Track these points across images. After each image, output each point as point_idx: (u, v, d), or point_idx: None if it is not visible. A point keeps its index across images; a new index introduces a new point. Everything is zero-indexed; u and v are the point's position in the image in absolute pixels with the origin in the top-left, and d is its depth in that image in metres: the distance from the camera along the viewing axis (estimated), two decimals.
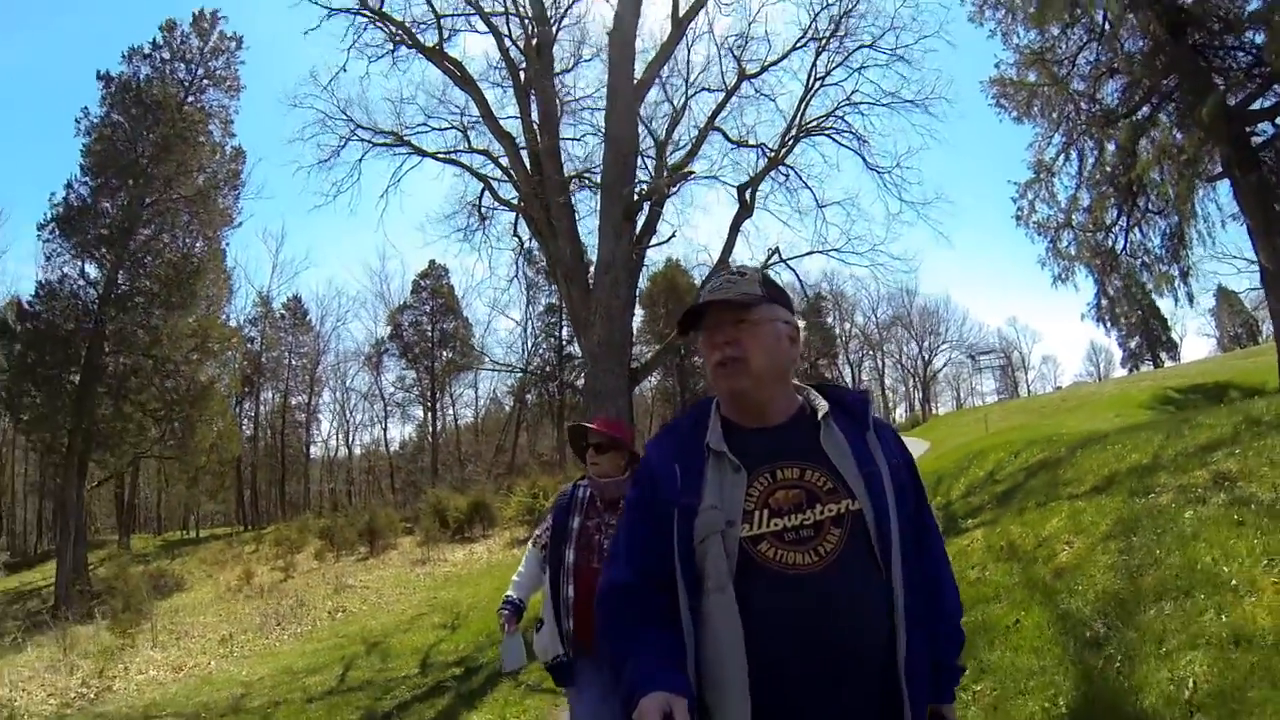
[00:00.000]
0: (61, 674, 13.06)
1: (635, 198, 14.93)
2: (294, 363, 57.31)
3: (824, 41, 17.35)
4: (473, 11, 16.79)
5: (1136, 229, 24.07)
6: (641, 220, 15.50)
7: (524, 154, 16.05)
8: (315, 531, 31.28)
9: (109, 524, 45.68)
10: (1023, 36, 24.64)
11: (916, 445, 38.54)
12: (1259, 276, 22.70)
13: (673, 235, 22.96)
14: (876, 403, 77.38)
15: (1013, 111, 25.36)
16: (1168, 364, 61.88)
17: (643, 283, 33.49)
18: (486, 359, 53.08)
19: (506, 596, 4.35)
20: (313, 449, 60.95)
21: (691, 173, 16.99)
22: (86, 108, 29.79)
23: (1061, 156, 25.03)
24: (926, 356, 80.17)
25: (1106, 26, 23.10)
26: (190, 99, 31.04)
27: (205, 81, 31.84)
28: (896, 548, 1.79)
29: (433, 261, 55.11)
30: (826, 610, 1.72)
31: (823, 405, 1.95)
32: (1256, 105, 21.14)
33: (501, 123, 16.54)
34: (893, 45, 17.26)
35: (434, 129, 17.78)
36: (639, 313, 48.42)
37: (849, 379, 76.59)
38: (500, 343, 78.20)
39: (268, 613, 17.67)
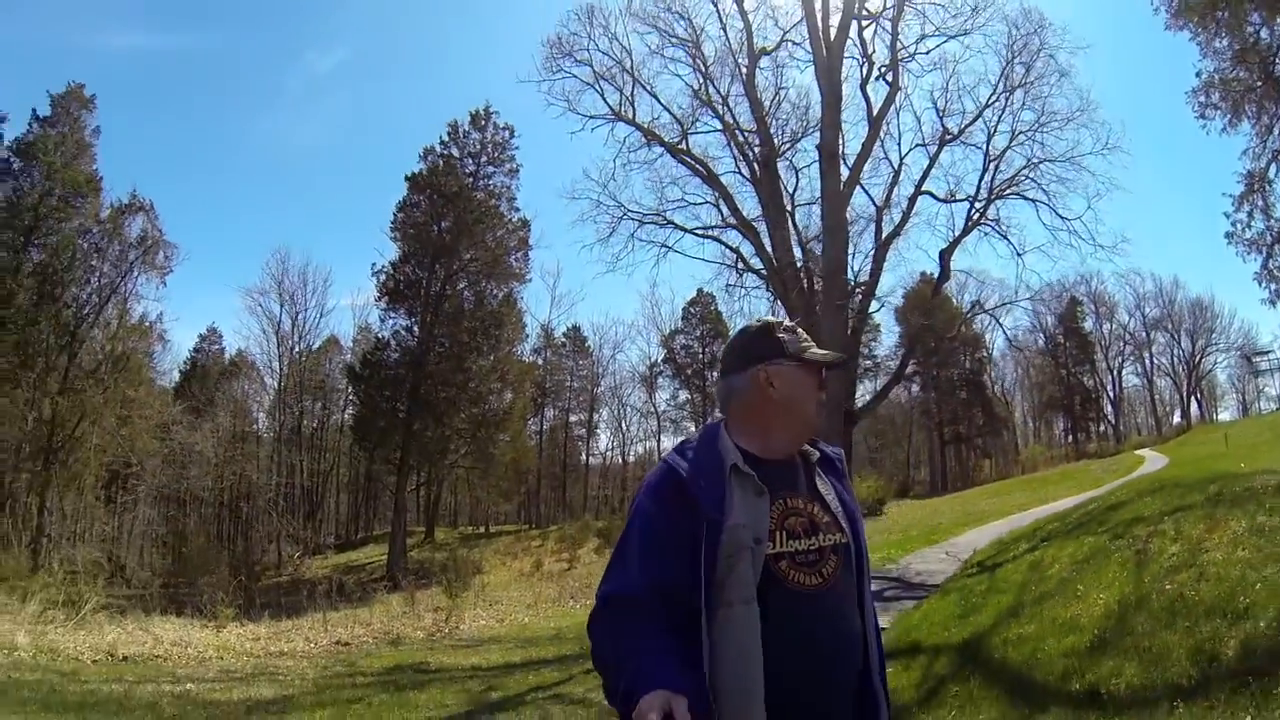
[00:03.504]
0: (411, 621, 17.79)
1: (850, 285, 18.57)
2: (574, 384, 63.93)
3: (1010, 96, 20.17)
4: (717, 129, 21.27)
5: None
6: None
7: (764, 237, 19.94)
8: (594, 531, 36.90)
9: (414, 518, 53.41)
10: (1224, 40, 23.25)
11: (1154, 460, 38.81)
12: None
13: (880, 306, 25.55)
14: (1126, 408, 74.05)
15: (1219, 120, 23.91)
16: None
17: (899, 300, 37.18)
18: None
19: None
20: (591, 459, 67.69)
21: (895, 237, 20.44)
22: (401, 201, 39.60)
23: (1273, 165, 23.42)
24: (1198, 357, 71.31)
25: None
26: (478, 185, 39.32)
27: (489, 168, 39.96)
28: (864, 576, 2.08)
29: (700, 290, 58.84)
30: (829, 626, 1.94)
31: (813, 452, 2.18)
32: None
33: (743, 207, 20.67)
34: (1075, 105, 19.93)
35: (690, 204, 21.72)
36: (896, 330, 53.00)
37: (1110, 386, 72.78)
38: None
39: (562, 590, 22.36)
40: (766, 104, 21.24)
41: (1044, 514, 20.65)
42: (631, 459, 67.86)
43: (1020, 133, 20.21)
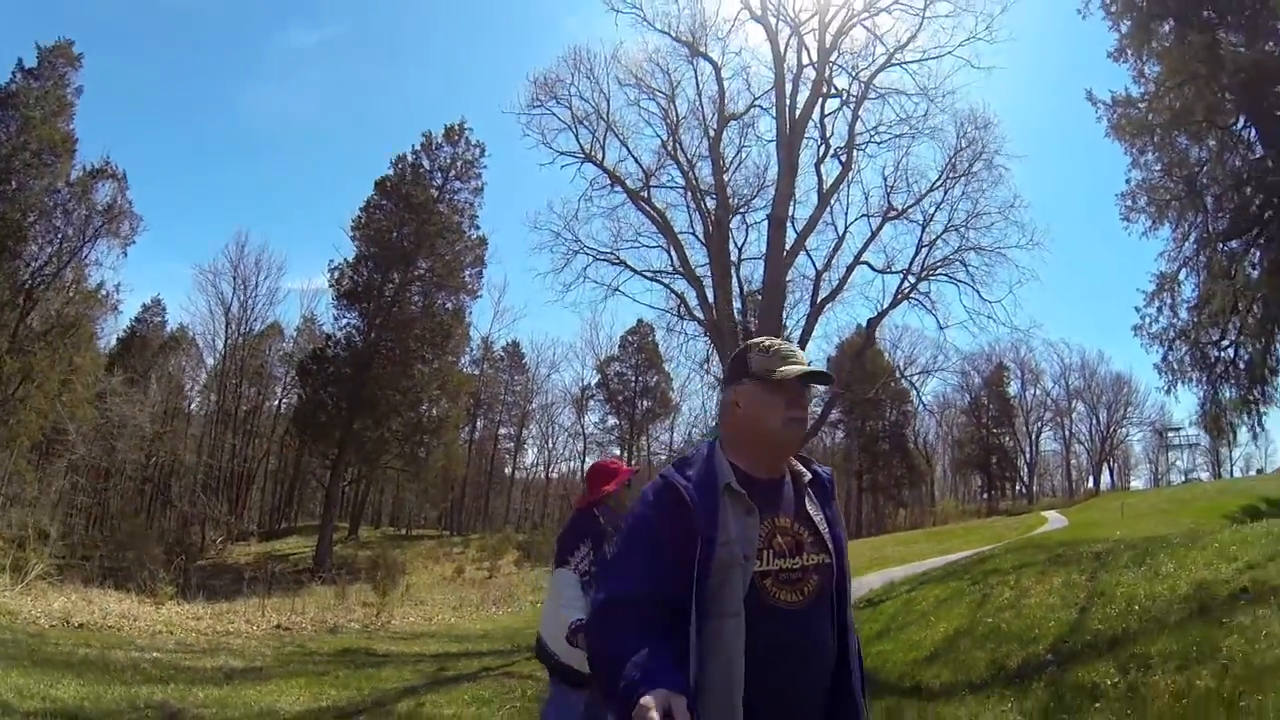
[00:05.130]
0: (344, 613, 18.21)
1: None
2: (508, 398, 65.29)
3: (950, 188, 22.01)
4: (678, 185, 22.63)
5: (1232, 349, 25.19)
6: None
7: (709, 289, 21.23)
8: (514, 543, 37.97)
9: (339, 514, 53.48)
10: (1153, 154, 26.08)
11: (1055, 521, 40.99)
12: None
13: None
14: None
15: (1142, 224, 26.39)
16: None
17: (832, 349, 40.58)
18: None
19: (577, 619, 4.42)
20: (517, 473, 69.22)
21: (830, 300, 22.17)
22: (365, 204, 40.40)
23: (1183, 270, 25.99)
24: (1113, 428, 76.07)
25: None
26: (443, 199, 40.46)
27: (456, 182, 41.08)
28: (845, 596, 2.20)
29: (640, 320, 59.11)
30: (804, 641, 2.05)
31: (805, 473, 2.27)
32: None
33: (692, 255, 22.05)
34: (1007, 201, 21.90)
35: (643, 246, 22.95)
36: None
37: (1028, 448, 76.28)
38: (698, 392, 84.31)
39: (484, 596, 23.35)
40: (727, 160, 22.62)
41: (940, 563, 22.60)
42: (555, 476, 69.21)
43: (954, 226, 22.11)
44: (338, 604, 19.96)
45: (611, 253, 22.86)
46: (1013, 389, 75.89)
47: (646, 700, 1.61)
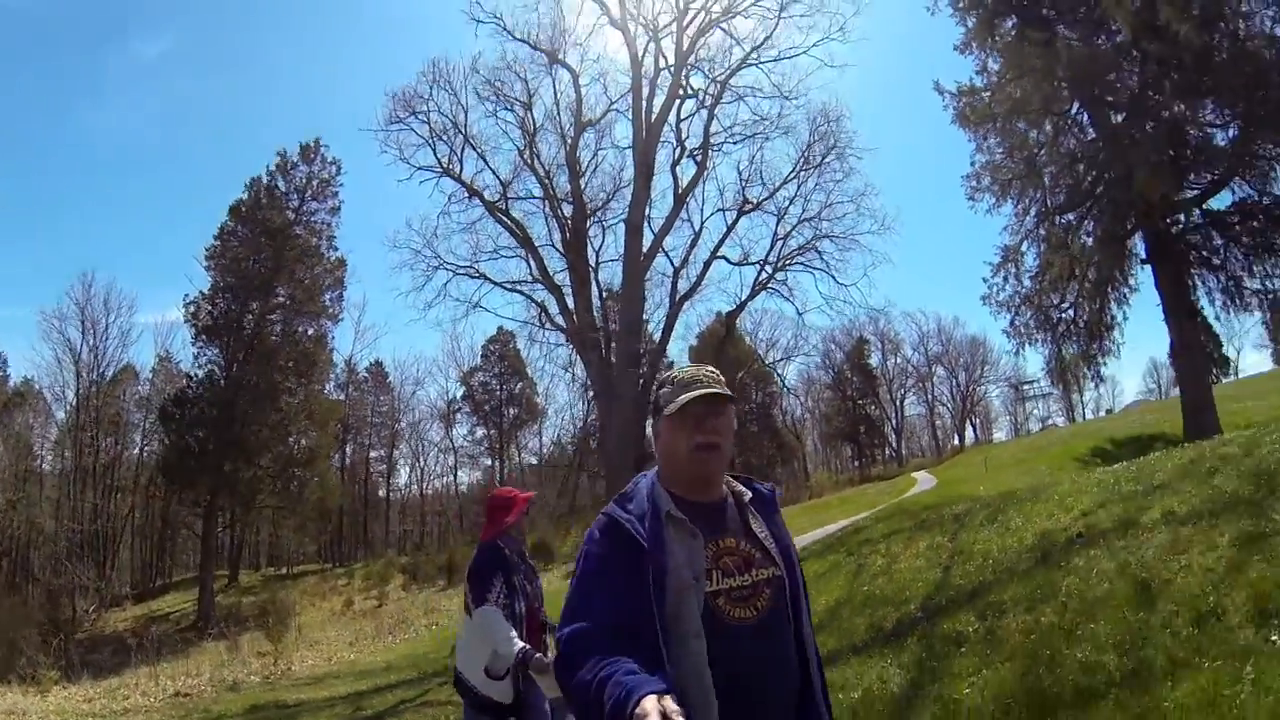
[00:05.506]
0: (240, 667, 17.64)
1: (642, 351, 20.83)
2: (375, 420, 64.21)
3: (804, 181, 23.15)
4: (535, 195, 22.93)
5: (1071, 310, 28.45)
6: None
7: (569, 297, 21.56)
8: (399, 567, 37.51)
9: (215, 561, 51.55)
10: (995, 139, 28.72)
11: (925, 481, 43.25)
12: (1169, 352, 28.04)
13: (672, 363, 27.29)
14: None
15: (986, 202, 29.14)
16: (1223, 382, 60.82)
17: (693, 340, 41.66)
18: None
19: (524, 648, 4.64)
20: (392, 495, 68.10)
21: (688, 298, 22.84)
22: (219, 230, 38.28)
23: (1025, 242, 28.87)
24: (973, 388, 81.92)
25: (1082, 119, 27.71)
26: (300, 221, 38.98)
27: (313, 203, 39.68)
28: (801, 606, 2.27)
29: (501, 328, 57.94)
30: (764, 655, 2.12)
31: (746, 492, 2.37)
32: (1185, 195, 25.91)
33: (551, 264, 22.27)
34: (860, 189, 23.59)
35: (503, 256, 23.19)
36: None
37: (893, 415, 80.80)
38: (564, 394, 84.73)
39: (380, 626, 22.99)
40: (584, 166, 23.14)
41: (820, 535, 23.61)
42: (430, 493, 69.06)
43: (808, 218, 23.36)
44: (232, 658, 19.40)
45: (471, 266, 23.12)
46: (874, 360, 79.64)
47: (647, 703, 1.63)
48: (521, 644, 4.62)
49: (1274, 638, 5.03)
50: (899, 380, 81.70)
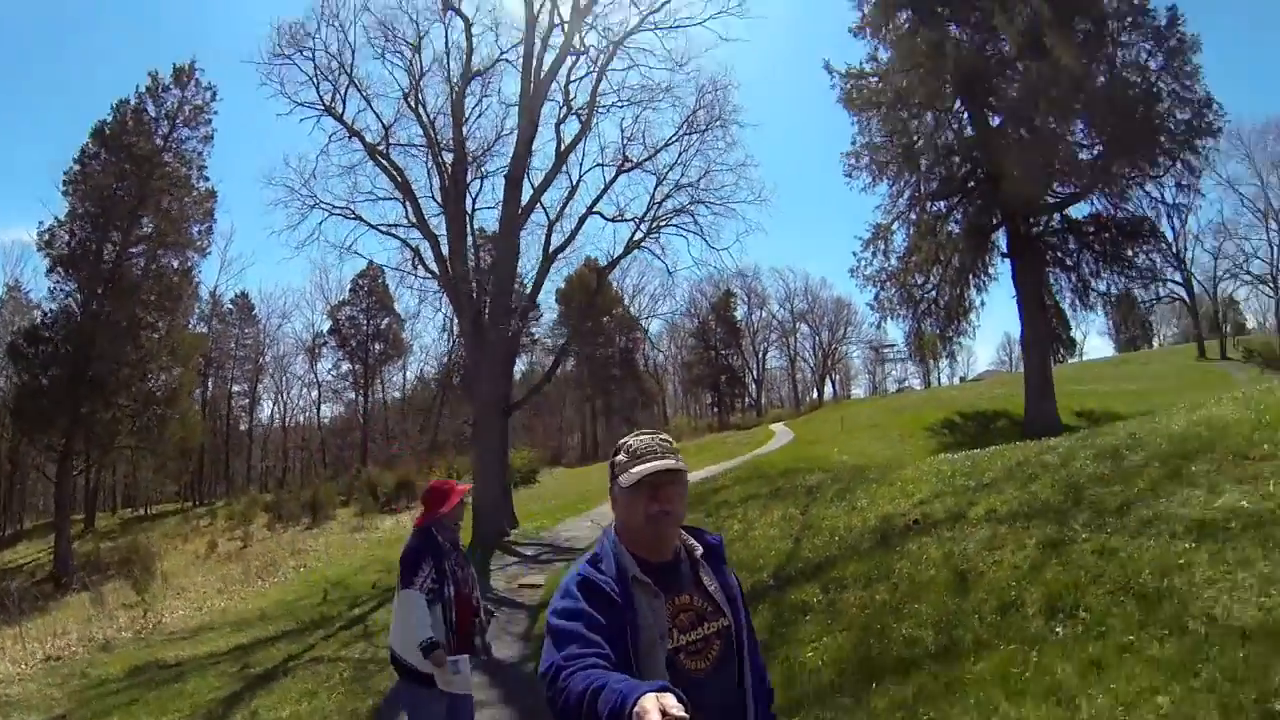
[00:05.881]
0: (107, 623, 16.75)
1: (514, 306, 21.04)
2: (239, 353, 62.51)
3: (686, 147, 23.29)
4: (418, 142, 22.53)
5: (934, 291, 30.66)
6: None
7: (444, 245, 21.38)
8: (262, 505, 36.64)
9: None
10: (877, 123, 30.38)
11: (783, 435, 44.84)
12: (1019, 339, 30.45)
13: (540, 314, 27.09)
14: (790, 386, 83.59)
15: (862, 180, 30.93)
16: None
17: (560, 282, 40.74)
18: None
19: (429, 639, 4.96)
20: (254, 430, 66.58)
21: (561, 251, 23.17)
22: (79, 154, 35.46)
23: (896, 223, 30.95)
24: (834, 346, 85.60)
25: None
26: (169, 148, 36.66)
27: (184, 130, 37.28)
28: (747, 651, 2.44)
29: (371, 262, 56.75)
30: (716, 702, 2.28)
31: (697, 546, 2.53)
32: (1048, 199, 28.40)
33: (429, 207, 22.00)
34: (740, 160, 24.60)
35: (380, 198, 22.99)
36: (555, 308, 55.79)
37: (755, 367, 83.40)
38: (430, 332, 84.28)
39: (247, 570, 22.56)
40: (468, 112, 22.85)
41: None
42: (292, 427, 67.75)
43: (687, 184, 23.59)
44: (98, 613, 18.60)
45: (348, 207, 22.78)
46: (740, 313, 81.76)
47: (642, 706, 1.66)
48: (429, 635, 4.96)
49: (1058, 629, 6.10)
50: (763, 334, 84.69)
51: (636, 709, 1.67)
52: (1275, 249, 59.78)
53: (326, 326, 62.71)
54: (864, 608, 7.75)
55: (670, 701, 1.65)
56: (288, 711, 8.58)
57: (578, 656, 2.05)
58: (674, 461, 2.37)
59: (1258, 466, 7.21)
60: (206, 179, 38.64)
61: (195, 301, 44.32)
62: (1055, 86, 25.79)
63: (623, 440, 2.52)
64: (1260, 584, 5.57)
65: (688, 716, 1.64)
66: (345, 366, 63.57)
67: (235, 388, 64.04)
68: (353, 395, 64.27)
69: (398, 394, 67.24)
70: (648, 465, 2.35)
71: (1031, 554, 7.27)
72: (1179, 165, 27.69)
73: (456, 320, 22.41)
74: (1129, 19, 27.25)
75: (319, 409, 66.25)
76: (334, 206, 22.72)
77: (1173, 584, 5.95)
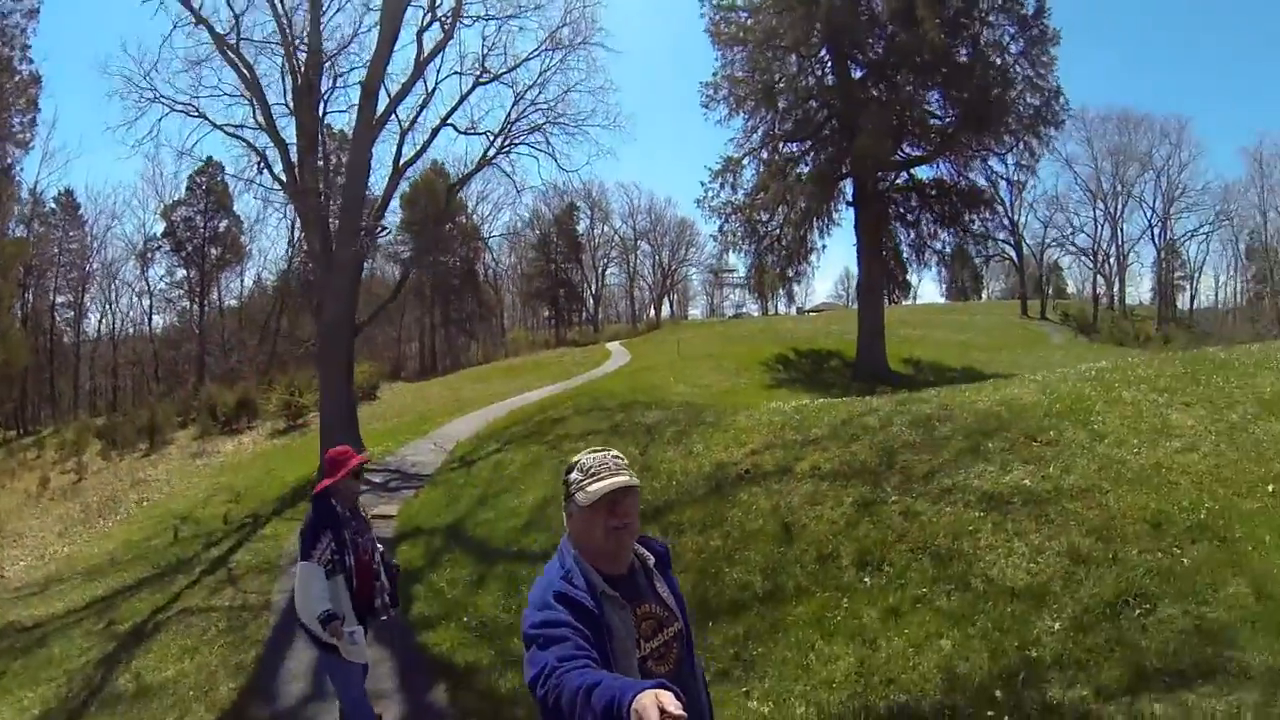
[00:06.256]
0: None
1: (363, 225, 20.35)
2: (63, 259, 56.84)
3: (548, 68, 22.86)
4: (270, 40, 20.67)
5: (778, 229, 32.11)
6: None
7: (294, 153, 20.01)
8: (94, 431, 33.88)
9: None
10: (741, 58, 31.12)
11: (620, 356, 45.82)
12: (856, 286, 32.26)
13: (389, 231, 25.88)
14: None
15: (719, 112, 31.78)
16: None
17: (405, 186, 39.52)
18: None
19: (326, 611, 5.12)
20: (81, 345, 60.25)
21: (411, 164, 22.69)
22: None
23: (748, 158, 32.09)
24: (675, 267, 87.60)
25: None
26: None
27: (8, 2, 33.14)
28: (692, 644, 2.69)
29: (209, 158, 53.26)
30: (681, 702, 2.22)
31: (649, 556, 2.68)
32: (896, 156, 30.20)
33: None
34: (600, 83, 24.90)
35: (227, 95, 21.09)
36: (398, 212, 54.02)
37: (593, 282, 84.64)
38: (269, 236, 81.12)
39: (87, 509, 21.37)
40: (325, 7, 20.98)
41: (518, 403, 25.57)
42: (123, 340, 61.60)
43: (543, 103, 23.23)
44: None
45: (191, 103, 20.96)
46: (582, 226, 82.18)
47: (641, 703, 1.71)
48: (326, 607, 5.14)
49: (866, 580, 7.02)
50: (604, 249, 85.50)
51: (635, 706, 1.72)
52: (1099, 226, 67.66)
53: (160, 229, 57.94)
54: (700, 552, 8.47)
55: (669, 699, 1.71)
56: (172, 670, 8.48)
57: (570, 658, 2.13)
58: (629, 477, 2.48)
59: (1042, 450, 8.28)
60: (30, 60, 34.80)
61: (15, 203, 40.05)
62: (919, 54, 27.23)
63: (575, 459, 2.60)
64: (1030, 552, 6.62)
65: (686, 715, 1.70)
66: (180, 273, 58.90)
67: (59, 298, 57.99)
68: (187, 304, 59.75)
69: (235, 301, 63.14)
70: (605, 482, 2.45)
71: (848, 511, 8.15)
72: (1021, 146, 30.10)
73: (303, 233, 21.09)
74: (1000, 1, 28.90)
75: (150, 320, 61.13)
76: (176, 102, 20.90)
77: (962, 547, 6.94)
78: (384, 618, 5.75)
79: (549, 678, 2.09)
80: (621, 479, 2.47)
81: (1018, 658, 5.49)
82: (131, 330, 61.62)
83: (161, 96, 20.70)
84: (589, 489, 2.45)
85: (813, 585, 7.20)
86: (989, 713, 5.05)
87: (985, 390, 11.08)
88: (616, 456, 2.57)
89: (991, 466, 8.12)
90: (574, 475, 2.54)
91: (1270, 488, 6.82)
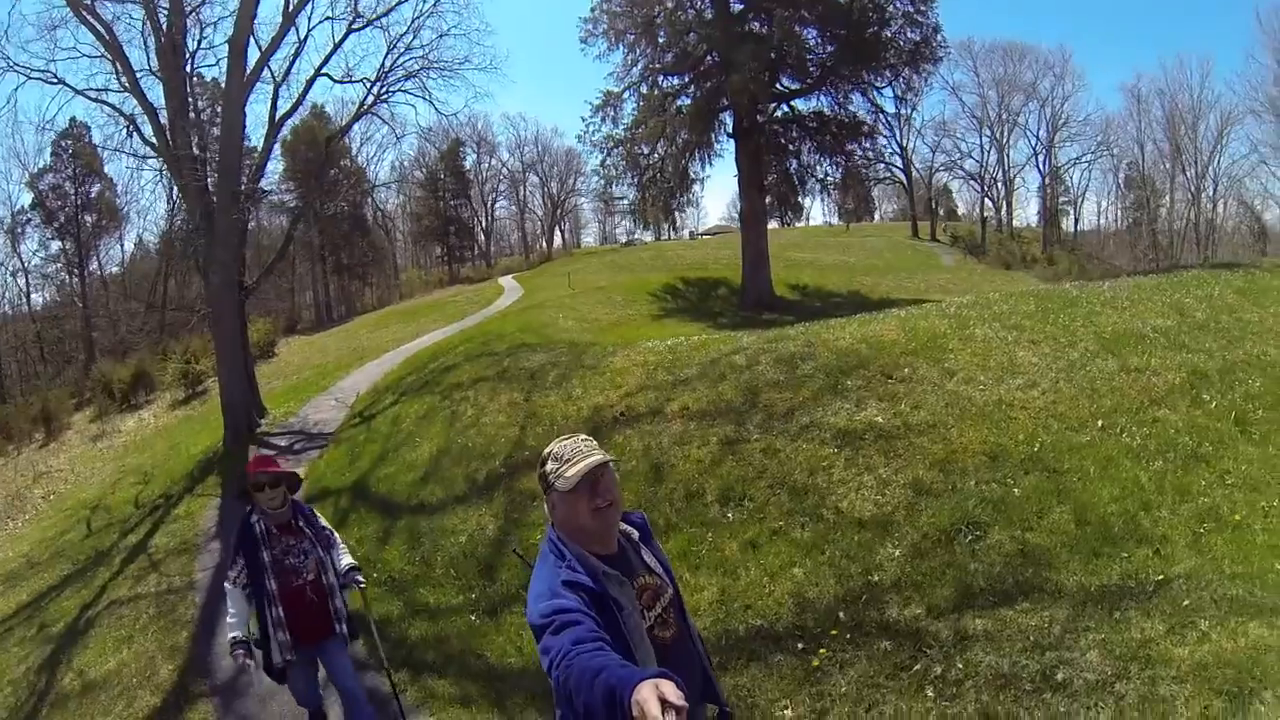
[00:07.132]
0: None
1: (242, 189, 19.39)
2: None
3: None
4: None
5: (660, 161, 32.19)
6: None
7: (163, 117, 19.10)
8: None
9: None
10: None
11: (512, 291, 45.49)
12: (738, 215, 32.82)
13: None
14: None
15: (598, 46, 31.47)
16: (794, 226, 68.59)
17: (285, 134, 37.41)
18: None
19: (235, 639, 4.85)
20: None
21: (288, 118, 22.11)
22: None
23: (628, 92, 31.94)
24: (564, 197, 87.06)
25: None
26: None
27: None
28: (685, 607, 2.81)
29: (74, 119, 49.11)
30: (684, 662, 2.64)
31: (632, 530, 2.77)
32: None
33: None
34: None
35: (86, 55, 19.57)
36: (281, 159, 52.78)
37: (484, 217, 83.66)
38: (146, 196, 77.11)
39: None
40: None
41: (413, 349, 25.10)
42: (0, 323, 56.31)
43: (419, 49, 22.59)
44: None
45: (48, 69, 19.47)
46: (469, 162, 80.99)
47: (641, 695, 1.71)
48: (234, 633, 4.89)
49: (729, 515, 7.49)
50: (492, 183, 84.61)
51: (636, 696, 1.71)
52: (986, 152, 69.80)
53: (28, 200, 53.63)
54: None
55: (669, 688, 1.70)
56: (113, 662, 8.46)
57: (582, 640, 2.14)
58: (603, 455, 2.53)
59: (896, 387, 8.83)
60: None
61: None
62: None
63: (547, 450, 2.62)
64: (878, 485, 7.18)
65: (687, 705, 1.68)
66: (55, 245, 54.54)
67: None
68: (66, 277, 55.57)
69: (118, 269, 59.43)
70: (581, 464, 2.48)
71: (713, 450, 8.58)
72: (901, 80, 30.86)
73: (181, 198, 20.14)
74: None
75: (29, 298, 55.77)
76: (32, 69, 19.39)
77: (816, 482, 7.46)
78: (342, 644, 5.29)
79: (563, 660, 2.11)
80: (596, 457, 2.51)
81: (861, 582, 6.04)
82: (9, 311, 56.23)
83: (15, 64, 19.33)
84: (567, 474, 2.49)
85: (681, 521, 7.62)
86: (833, 631, 5.59)
87: (850, 326, 11.56)
88: (586, 439, 2.62)
89: (848, 404, 8.64)
90: (549, 465, 2.57)
91: (1100, 423, 7.51)
